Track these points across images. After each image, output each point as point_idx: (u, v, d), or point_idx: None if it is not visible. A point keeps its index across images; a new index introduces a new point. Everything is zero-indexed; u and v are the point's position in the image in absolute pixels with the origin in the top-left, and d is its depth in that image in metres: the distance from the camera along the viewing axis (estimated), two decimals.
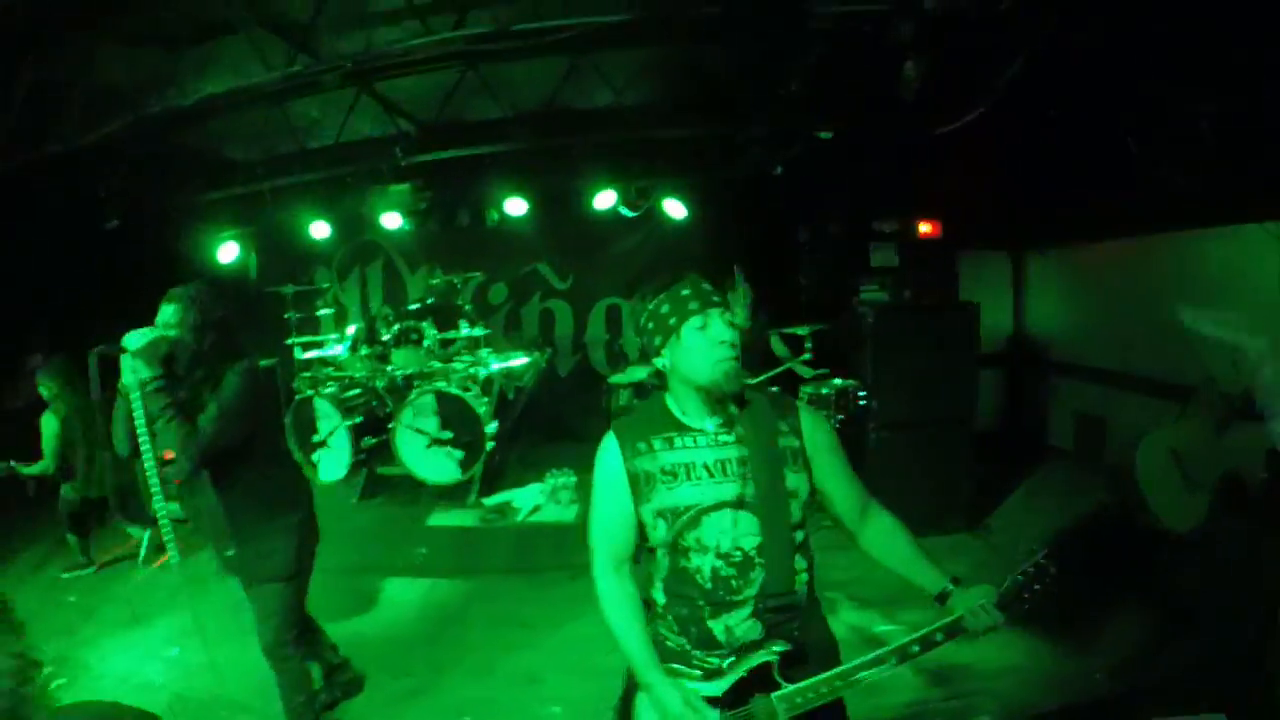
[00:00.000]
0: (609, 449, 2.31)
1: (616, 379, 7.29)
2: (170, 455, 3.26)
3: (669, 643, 2.28)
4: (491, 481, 7.06)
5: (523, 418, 7.60)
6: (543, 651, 4.76)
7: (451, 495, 6.95)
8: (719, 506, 2.20)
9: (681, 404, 2.31)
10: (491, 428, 6.96)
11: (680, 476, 2.23)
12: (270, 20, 5.40)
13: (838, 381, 6.26)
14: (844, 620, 4.84)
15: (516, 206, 7.75)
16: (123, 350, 3.18)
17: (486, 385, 7.51)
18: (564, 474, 6.79)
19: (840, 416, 6.07)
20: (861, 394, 6.20)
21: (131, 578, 6.32)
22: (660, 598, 2.32)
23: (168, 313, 3.39)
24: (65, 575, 6.27)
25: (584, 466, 6.84)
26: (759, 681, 2.14)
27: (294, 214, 8.02)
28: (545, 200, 7.97)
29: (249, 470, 3.51)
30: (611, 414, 6.56)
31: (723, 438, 2.26)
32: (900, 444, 6.18)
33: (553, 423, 8.38)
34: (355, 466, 7.25)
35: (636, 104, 6.47)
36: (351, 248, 9.34)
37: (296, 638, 3.74)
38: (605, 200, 7.65)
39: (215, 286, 3.60)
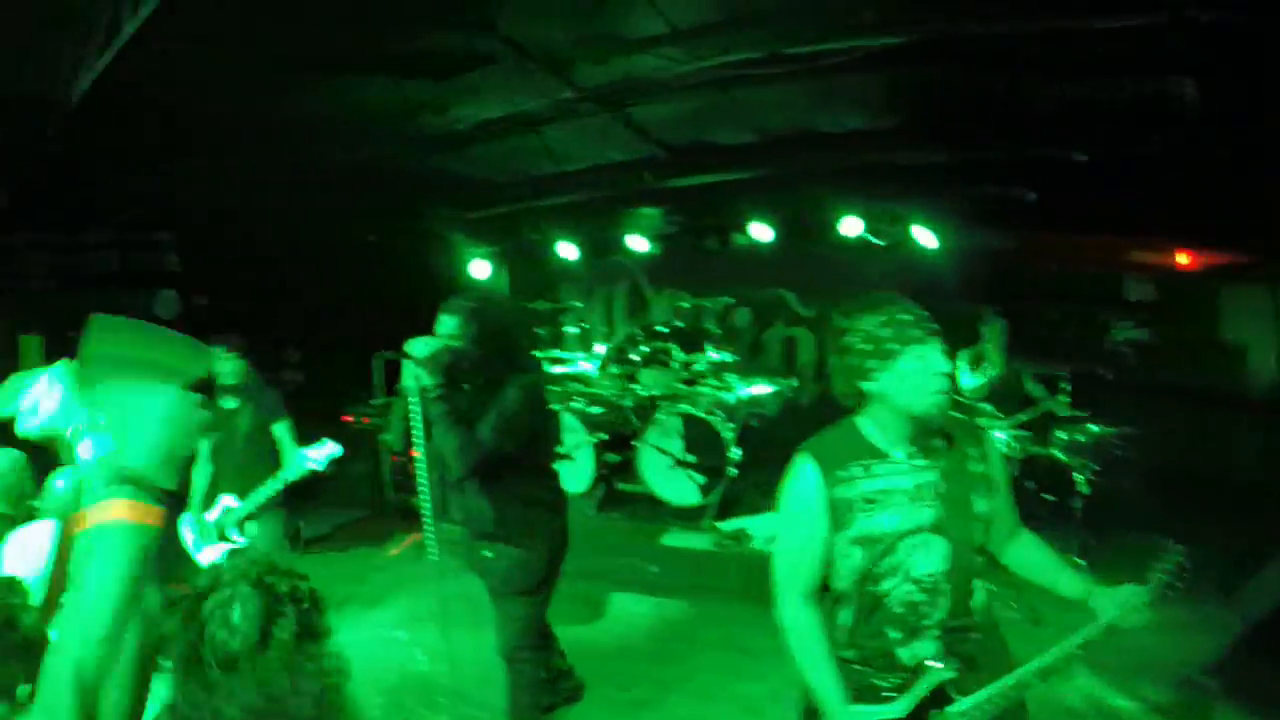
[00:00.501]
0: (807, 475, 2.28)
1: None
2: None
3: (850, 668, 2.26)
4: (728, 507, 7.02)
5: (764, 446, 7.50)
6: (766, 683, 4.57)
7: (687, 517, 6.99)
8: (915, 532, 2.20)
9: (880, 430, 2.26)
10: (734, 454, 6.95)
11: (880, 503, 2.21)
12: (531, 50, 5.72)
13: (1095, 429, 5.70)
14: (1078, 688, 4.38)
15: (762, 232, 7.69)
16: (406, 356, 3.41)
17: (732, 411, 7.49)
18: None
19: (1095, 466, 5.55)
20: (1120, 442, 5.64)
21: (367, 560, 6.85)
22: (845, 623, 2.31)
23: (450, 324, 3.55)
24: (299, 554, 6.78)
25: None
26: (935, 699, 2.15)
27: (544, 234, 8.43)
28: (792, 225, 7.82)
29: (516, 479, 3.66)
30: None
31: (919, 463, 2.24)
32: (1152, 499, 5.54)
33: (792, 453, 8.15)
34: (596, 481, 7.50)
35: (885, 127, 6.27)
36: (598, 268, 9.60)
37: (535, 643, 3.85)
38: (852, 227, 7.42)
39: (495, 300, 3.79)
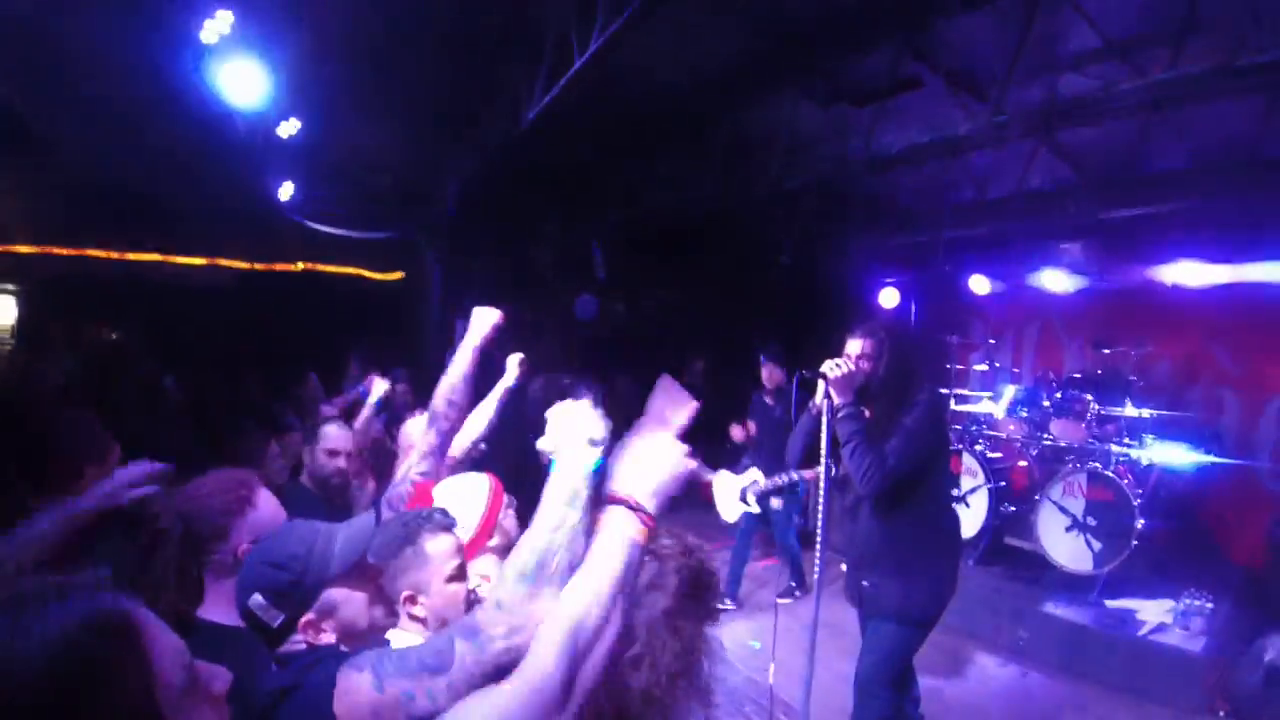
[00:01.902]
0: None
1: None
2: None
3: None
4: (1118, 582, 6.19)
5: (1170, 520, 6.47)
6: None
7: (1072, 585, 6.27)
8: None
9: None
10: (1139, 524, 6.11)
11: None
12: (955, 73, 5.51)
13: None
14: None
15: (1193, 273, 6.64)
16: (822, 376, 3.51)
17: (1143, 475, 6.60)
18: (1201, 598, 5.66)
19: None
20: None
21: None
22: None
23: (862, 346, 3.64)
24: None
25: (1224, 594, 5.78)
26: None
27: (956, 264, 8.07)
28: (1227, 268, 6.62)
29: (911, 507, 3.60)
30: None
31: None
32: None
33: (1200, 534, 6.98)
34: (984, 530, 7.06)
35: None
36: (1010, 304, 8.93)
37: (893, 681, 3.73)
38: None
39: (902, 324, 3.76)
